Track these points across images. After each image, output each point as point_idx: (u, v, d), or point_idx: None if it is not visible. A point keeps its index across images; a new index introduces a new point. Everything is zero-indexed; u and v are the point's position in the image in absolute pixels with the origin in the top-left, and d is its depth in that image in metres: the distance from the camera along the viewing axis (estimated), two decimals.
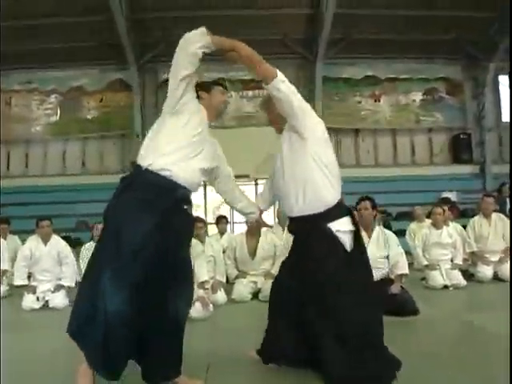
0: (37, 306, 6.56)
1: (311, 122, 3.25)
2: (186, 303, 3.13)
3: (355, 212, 6.07)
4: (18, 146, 16.49)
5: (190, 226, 3.22)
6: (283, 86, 3.07)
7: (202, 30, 3.05)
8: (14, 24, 14.27)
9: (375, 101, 16.29)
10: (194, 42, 2.98)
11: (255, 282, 6.83)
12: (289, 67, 16.07)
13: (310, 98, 15.82)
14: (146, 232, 2.80)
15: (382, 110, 16.29)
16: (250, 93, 16.11)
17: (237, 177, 12.97)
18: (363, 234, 5.68)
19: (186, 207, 3.06)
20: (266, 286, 6.68)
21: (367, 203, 5.72)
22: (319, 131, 3.29)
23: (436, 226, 7.71)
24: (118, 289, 2.71)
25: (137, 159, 3.03)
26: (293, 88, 3.13)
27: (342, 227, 3.21)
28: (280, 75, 3.07)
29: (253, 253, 6.94)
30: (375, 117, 16.27)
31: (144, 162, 2.95)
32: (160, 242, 2.84)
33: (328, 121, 15.28)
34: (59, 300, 6.61)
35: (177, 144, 2.98)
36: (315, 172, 3.20)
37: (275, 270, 6.90)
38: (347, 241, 3.23)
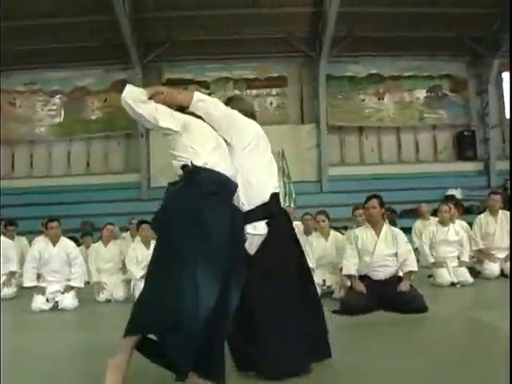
0: (46, 307, 6.59)
1: (237, 130, 3.33)
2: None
3: (363, 210, 6.13)
4: (22, 147, 16.50)
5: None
6: (200, 104, 3.25)
7: (129, 90, 3.20)
8: (17, 24, 14.26)
9: (379, 99, 16.25)
10: (132, 104, 3.13)
11: None
12: (292, 65, 16.17)
13: (313, 96, 15.87)
14: (228, 225, 2.92)
15: (385, 107, 16.24)
16: (254, 92, 16.05)
17: None
18: (371, 232, 5.75)
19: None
20: None
21: (375, 201, 5.73)
22: (244, 138, 3.35)
23: (442, 223, 7.73)
24: (214, 283, 2.78)
25: (182, 161, 3.10)
26: (213, 101, 3.34)
27: (251, 230, 3.25)
28: (197, 95, 3.27)
29: None
30: (379, 115, 16.23)
31: (198, 161, 3.03)
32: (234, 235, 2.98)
33: (332, 119, 15.54)
34: (69, 301, 6.66)
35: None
36: (238, 178, 3.24)
37: None
38: (254, 243, 3.27)
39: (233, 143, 3.30)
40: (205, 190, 2.95)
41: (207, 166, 3.01)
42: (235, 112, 3.41)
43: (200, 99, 3.26)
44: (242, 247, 3.14)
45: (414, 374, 3.22)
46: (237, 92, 15.90)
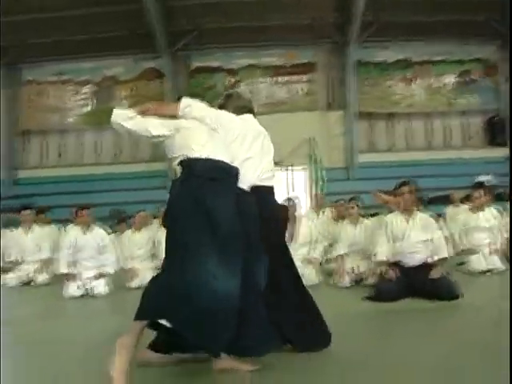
0: (78, 293, 6.69)
1: (224, 128, 3.36)
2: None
3: (396, 196, 6.09)
4: (53, 136, 16.75)
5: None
6: (188, 109, 3.34)
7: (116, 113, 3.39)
8: (46, 16, 14.43)
9: (408, 84, 16.06)
10: (121, 122, 3.32)
11: None
12: (321, 52, 16.07)
13: (341, 83, 15.76)
14: (234, 211, 3.01)
15: (415, 93, 16.04)
16: (283, 78, 16.04)
17: None
18: (403, 218, 5.72)
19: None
20: (304, 271, 6.73)
21: (407, 187, 5.69)
22: (231, 135, 3.37)
23: (474, 210, 7.64)
24: (231, 273, 2.85)
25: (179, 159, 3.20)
26: (199, 105, 3.41)
27: None
28: (183, 103, 3.35)
29: (290, 239, 6.97)
30: (408, 100, 16.03)
31: (193, 154, 3.13)
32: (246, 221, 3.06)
33: (361, 105, 15.40)
34: (101, 287, 6.74)
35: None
36: None
37: (313, 256, 7.00)
38: None
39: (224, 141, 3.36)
40: (203, 177, 3.02)
41: (202, 157, 3.09)
42: (221, 112, 3.48)
43: (187, 105, 3.35)
44: (256, 233, 3.15)
45: (442, 361, 3.20)
46: (264, 79, 15.92)
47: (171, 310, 2.77)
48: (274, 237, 3.41)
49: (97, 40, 15.37)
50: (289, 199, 7.30)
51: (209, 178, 3.02)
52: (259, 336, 3.02)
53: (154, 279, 3.03)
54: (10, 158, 16.57)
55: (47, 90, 16.87)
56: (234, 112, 3.56)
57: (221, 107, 3.66)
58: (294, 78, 16.07)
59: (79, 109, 16.76)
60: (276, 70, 16.10)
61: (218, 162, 3.12)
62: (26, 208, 8.44)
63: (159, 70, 16.15)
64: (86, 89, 16.74)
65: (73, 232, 7.13)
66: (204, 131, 3.28)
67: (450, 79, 16.12)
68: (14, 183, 16.53)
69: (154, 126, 3.27)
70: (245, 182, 3.28)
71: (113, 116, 3.33)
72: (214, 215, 2.91)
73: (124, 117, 3.30)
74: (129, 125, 3.28)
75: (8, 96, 16.61)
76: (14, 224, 9.41)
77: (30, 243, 8.30)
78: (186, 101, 3.37)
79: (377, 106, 15.98)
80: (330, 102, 16.16)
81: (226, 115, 3.46)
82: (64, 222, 9.85)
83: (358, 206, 6.93)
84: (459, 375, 2.97)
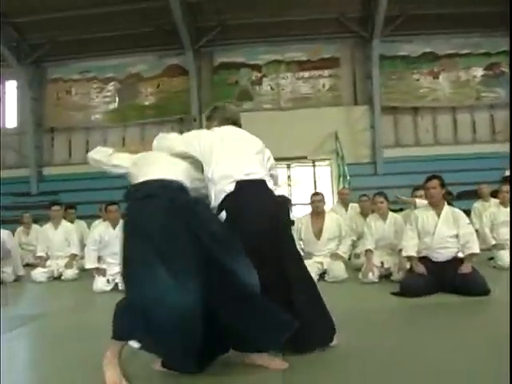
0: (107, 288, 6.74)
1: (196, 150, 3.46)
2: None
3: (423, 191, 6.02)
4: (78, 134, 16.91)
5: None
6: (160, 143, 3.63)
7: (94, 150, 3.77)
8: (71, 14, 14.59)
9: (434, 78, 15.85)
10: (103, 152, 3.70)
11: (321, 263, 6.84)
12: (345, 46, 15.98)
13: (366, 77, 15.65)
14: (164, 224, 3.04)
15: (441, 87, 15.83)
16: (306, 74, 15.95)
17: (294, 159, 13.06)
18: (432, 212, 5.65)
19: None
20: (332, 266, 6.72)
21: (435, 182, 5.61)
22: (207, 152, 3.42)
23: (503, 204, 7.54)
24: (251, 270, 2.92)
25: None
26: (170, 137, 3.68)
27: None
28: (156, 140, 3.67)
29: (318, 234, 6.95)
30: (434, 94, 15.83)
31: (133, 181, 3.40)
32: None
33: (386, 100, 15.28)
34: None
35: None
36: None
37: (341, 251, 6.96)
38: None
39: (201, 160, 3.44)
40: (135, 199, 3.16)
41: (140, 181, 3.23)
42: (186, 135, 3.66)
43: (160, 137, 3.68)
44: (217, 233, 3.05)
45: (469, 355, 3.18)
46: (288, 75, 15.89)
47: (136, 330, 2.82)
48: (272, 229, 3.24)
49: (121, 37, 15.50)
50: (316, 193, 7.28)
51: (139, 199, 3.11)
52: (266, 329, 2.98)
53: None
54: (36, 156, 16.77)
55: (72, 87, 17.04)
56: (218, 123, 3.67)
57: (207, 118, 3.87)
58: (318, 73, 15.99)
59: (104, 106, 16.91)
60: (300, 65, 16.03)
61: (151, 181, 3.17)
62: (55, 204, 8.51)
63: (183, 67, 16.20)
64: (111, 86, 16.89)
65: (101, 228, 7.21)
66: (153, 158, 3.48)
67: (478, 72, 15.86)
68: (40, 180, 16.73)
69: (117, 159, 3.63)
70: (229, 178, 3.26)
71: (90, 153, 3.72)
72: (144, 229, 2.92)
73: (100, 154, 3.67)
74: (97, 156, 3.66)
75: (34, 94, 16.81)
76: (43, 220, 9.55)
77: (59, 238, 8.36)
78: (158, 137, 3.69)
79: (402, 101, 15.82)
80: (354, 97, 16.06)
81: (192, 137, 3.58)
82: (89, 218, 9.98)
83: (386, 200, 6.86)
84: (486, 370, 2.93)
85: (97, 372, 2.88)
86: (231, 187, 3.22)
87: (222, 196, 3.23)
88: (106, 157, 3.61)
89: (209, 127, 3.72)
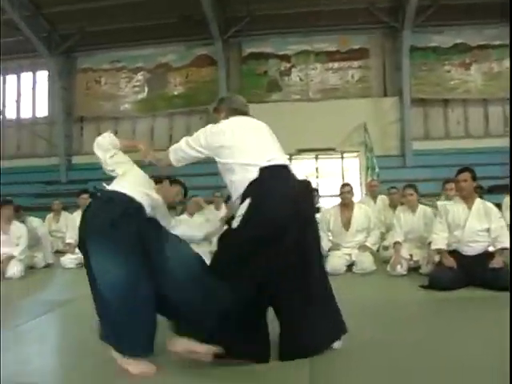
0: None
1: (212, 148, 3.39)
2: None
3: (454, 183, 5.93)
4: (107, 123, 17.04)
5: None
6: (178, 156, 3.56)
7: (111, 138, 3.65)
8: (101, 4, 14.69)
9: (465, 69, 15.59)
10: (106, 151, 3.60)
11: (349, 255, 6.80)
12: (374, 37, 15.84)
13: (396, 68, 15.47)
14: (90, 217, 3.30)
15: (472, 78, 15.54)
16: (336, 64, 15.84)
17: (322, 150, 12.98)
18: (463, 206, 5.56)
19: None
20: (361, 258, 6.67)
21: (466, 174, 5.52)
22: (216, 144, 3.37)
23: None
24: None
25: None
26: (180, 146, 3.53)
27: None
28: (170, 153, 3.60)
29: (347, 225, 6.90)
30: (465, 86, 15.56)
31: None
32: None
33: (416, 91, 15.09)
34: None
35: None
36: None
37: (370, 243, 6.90)
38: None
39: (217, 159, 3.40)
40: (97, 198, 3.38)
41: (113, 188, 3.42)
42: (192, 138, 3.50)
43: (172, 152, 3.58)
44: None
45: (498, 350, 3.11)
46: (317, 65, 15.79)
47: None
48: (295, 214, 3.13)
49: (150, 27, 15.57)
50: (345, 185, 7.22)
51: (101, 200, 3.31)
52: None
53: None
54: (66, 145, 16.97)
55: (102, 77, 17.18)
56: (226, 114, 3.58)
57: (214, 110, 3.73)
58: (347, 63, 15.86)
59: (133, 96, 17.04)
60: (329, 56, 15.93)
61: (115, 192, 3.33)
62: (83, 192, 8.59)
63: (212, 57, 16.22)
64: (140, 76, 17.01)
65: None
66: (130, 174, 3.58)
67: None
68: (69, 169, 16.93)
69: (117, 163, 3.62)
70: (252, 166, 3.19)
71: (97, 143, 3.62)
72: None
73: (105, 152, 3.61)
74: (99, 153, 3.61)
75: (64, 84, 16.99)
76: (72, 208, 9.66)
77: None
78: (171, 149, 3.60)
79: (432, 92, 15.61)
80: (384, 89, 15.91)
81: (207, 136, 3.44)
82: None
83: (416, 192, 6.77)
84: None
85: None
86: (254, 174, 3.16)
87: (245, 184, 3.17)
88: (107, 158, 3.61)
89: (216, 119, 3.64)
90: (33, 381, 2.94)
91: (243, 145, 3.28)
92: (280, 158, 3.31)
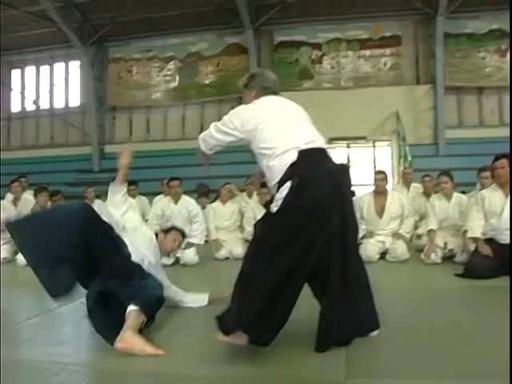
0: (168, 262, 6.83)
1: (246, 131, 3.27)
2: None
3: (491, 171, 5.84)
4: (139, 112, 17.21)
5: None
6: (204, 144, 3.54)
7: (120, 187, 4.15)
8: None
9: (501, 56, 15.27)
10: (117, 208, 4.09)
11: (383, 242, 6.78)
12: (407, 24, 15.62)
13: (430, 55, 15.26)
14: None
15: (508, 65, 15.21)
16: (368, 52, 15.64)
17: (354, 138, 12.91)
18: (500, 193, 5.47)
19: None
20: (394, 246, 6.63)
21: (504, 161, 5.41)
22: (251, 127, 3.24)
23: None
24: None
25: None
26: (211, 129, 3.43)
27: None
28: (200, 139, 3.55)
29: (380, 212, 6.87)
30: (501, 73, 15.19)
31: None
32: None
33: (449, 79, 14.86)
34: (190, 257, 6.90)
35: None
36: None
37: (404, 230, 6.85)
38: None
39: (248, 138, 3.31)
40: None
41: None
42: (234, 117, 3.33)
43: (201, 140, 3.54)
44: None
45: None
46: (349, 53, 15.65)
47: None
48: (337, 195, 3.08)
49: (181, 16, 15.65)
50: (379, 172, 7.17)
51: None
52: None
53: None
54: (98, 134, 17.17)
55: (133, 67, 17.31)
56: (257, 93, 3.47)
57: (245, 86, 3.60)
58: (380, 51, 15.66)
59: (164, 85, 17.13)
60: (361, 44, 15.73)
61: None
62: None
63: (243, 45, 16.19)
64: (171, 65, 17.08)
65: (162, 202, 7.36)
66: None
67: None
68: (101, 158, 17.12)
69: (115, 206, 4.16)
70: (292, 149, 3.09)
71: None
72: None
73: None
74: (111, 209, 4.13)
75: (97, 73, 17.16)
76: (104, 196, 9.75)
77: None
78: (199, 143, 3.58)
79: (466, 80, 15.32)
80: (416, 76, 15.69)
81: (239, 119, 3.30)
82: (149, 195, 10.19)
83: (451, 180, 6.69)
84: None
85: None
86: (294, 157, 3.07)
87: (285, 168, 3.07)
88: (118, 216, 4.04)
89: (247, 97, 3.53)
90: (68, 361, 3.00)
91: (281, 127, 3.20)
92: (318, 140, 3.23)
